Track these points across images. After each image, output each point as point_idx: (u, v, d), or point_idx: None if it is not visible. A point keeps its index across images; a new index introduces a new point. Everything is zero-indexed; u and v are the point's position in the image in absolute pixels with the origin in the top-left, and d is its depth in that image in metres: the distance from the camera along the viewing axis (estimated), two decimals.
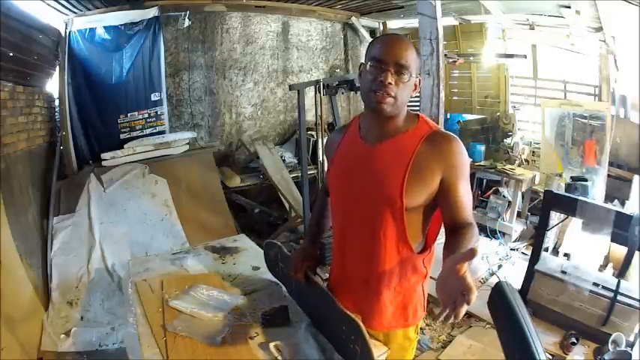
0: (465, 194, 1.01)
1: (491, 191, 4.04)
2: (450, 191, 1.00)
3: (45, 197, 3.05)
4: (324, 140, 3.18)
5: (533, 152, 4.18)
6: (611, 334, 2.18)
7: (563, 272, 2.54)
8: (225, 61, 4.43)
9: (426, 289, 1.19)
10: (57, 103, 3.51)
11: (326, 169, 1.33)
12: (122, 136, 3.75)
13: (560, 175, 3.70)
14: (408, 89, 1.01)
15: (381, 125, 1.05)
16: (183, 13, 3.89)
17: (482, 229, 3.88)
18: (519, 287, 2.67)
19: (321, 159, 3.21)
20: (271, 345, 1.17)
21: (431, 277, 1.35)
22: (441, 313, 0.79)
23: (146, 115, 3.88)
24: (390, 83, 0.97)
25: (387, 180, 1.02)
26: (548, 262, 2.72)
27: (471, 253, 0.76)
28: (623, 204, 3.30)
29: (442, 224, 1.08)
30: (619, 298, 2.29)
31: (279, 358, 1.13)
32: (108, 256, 2.86)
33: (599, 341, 2.29)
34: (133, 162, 3.48)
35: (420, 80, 1.06)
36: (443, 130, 1.07)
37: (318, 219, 1.36)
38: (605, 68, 3.55)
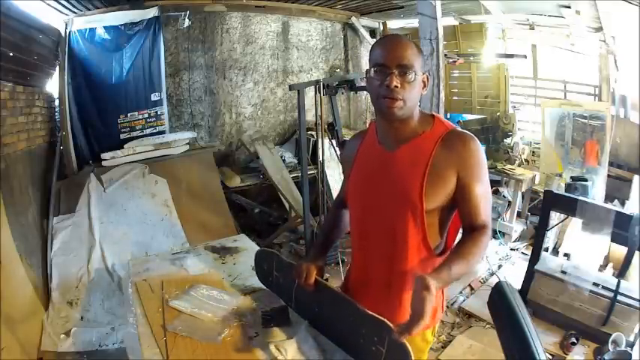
0: (481, 194, 1.01)
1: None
2: (465, 191, 1.01)
3: (45, 197, 3.05)
4: (324, 140, 3.19)
5: (533, 152, 4.19)
6: (611, 334, 2.17)
7: (563, 272, 2.54)
8: (225, 61, 4.43)
9: (445, 291, 1.19)
10: (57, 103, 3.51)
11: (343, 176, 1.30)
12: (122, 136, 3.75)
13: (560, 175, 3.70)
14: (416, 89, 1.01)
15: (397, 129, 1.05)
16: (183, 13, 3.88)
17: None
18: (519, 287, 2.67)
19: (321, 159, 3.21)
20: (271, 345, 1.17)
21: None
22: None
23: (146, 115, 3.88)
24: (396, 86, 0.97)
25: (407, 183, 1.02)
26: (548, 262, 2.72)
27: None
28: (623, 204, 3.30)
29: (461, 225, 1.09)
30: (619, 298, 2.29)
31: (279, 358, 1.13)
32: (108, 256, 2.86)
33: (599, 341, 2.29)
34: (133, 162, 3.48)
35: (427, 77, 1.05)
36: (459, 129, 1.07)
37: (328, 232, 1.33)
38: (605, 68, 3.55)
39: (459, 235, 1.10)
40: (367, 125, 1.23)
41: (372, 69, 1.01)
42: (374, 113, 1.14)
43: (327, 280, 1.30)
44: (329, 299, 1.19)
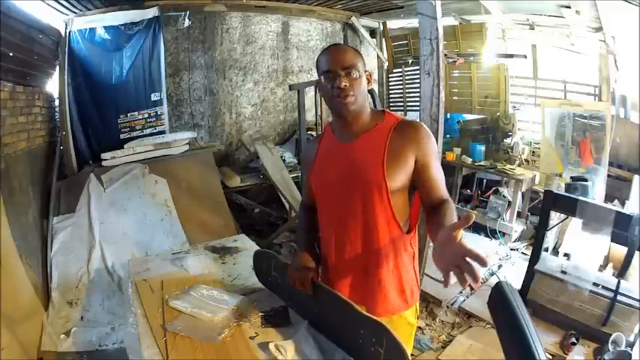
0: (437, 172, 1.13)
1: (491, 191, 4.04)
2: (424, 171, 1.11)
3: (45, 197, 3.05)
4: None
5: (533, 152, 4.18)
6: (611, 334, 2.18)
7: (563, 272, 2.55)
8: (225, 61, 4.44)
9: (417, 270, 1.27)
10: (57, 103, 3.51)
11: (305, 178, 1.35)
12: (122, 136, 3.75)
13: (560, 175, 3.70)
14: (362, 85, 1.14)
15: (352, 124, 1.17)
16: (183, 13, 3.89)
17: (483, 229, 3.89)
18: (519, 287, 2.67)
19: None
20: (271, 345, 1.17)
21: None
22: (446, 281, 0.80)
23: (146, 115, 3.88)
24: (345, 85, 1.10)
25: (369, 167, 1.12)
26: (548, 262, 2.72)
27: (467, 219, 0.84)
28: (623, 204, 3.29)
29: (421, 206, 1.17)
30: (619, 298, 2.29)
31: (279, 358, 1.13)
32: (108, 256, 2.86)
33: (599, 341, 2.30)
34: (132, 162, 3.48)
35: (370, 74, 1.18)
36: (408, 118, 1.21)
37: (307, 233, 1.35)
38: (605, 68, 3.54)
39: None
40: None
41: (322, 76, 1.14)
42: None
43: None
44: (327, 301, 1.19)
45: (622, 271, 2.45)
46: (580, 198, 2.62)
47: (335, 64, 1.11)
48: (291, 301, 1.38)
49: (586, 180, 3.33)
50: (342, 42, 5.17)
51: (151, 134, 3.85)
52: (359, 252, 1.18)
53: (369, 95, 1.49)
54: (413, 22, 4.81)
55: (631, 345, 2.16)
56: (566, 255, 3.21)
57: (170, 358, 1.14)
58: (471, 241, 3.79)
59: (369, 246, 1.16)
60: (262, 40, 4.60)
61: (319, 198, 1.26)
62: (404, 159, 1.11)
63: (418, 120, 1.82)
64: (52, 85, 3.45)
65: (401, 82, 5.50)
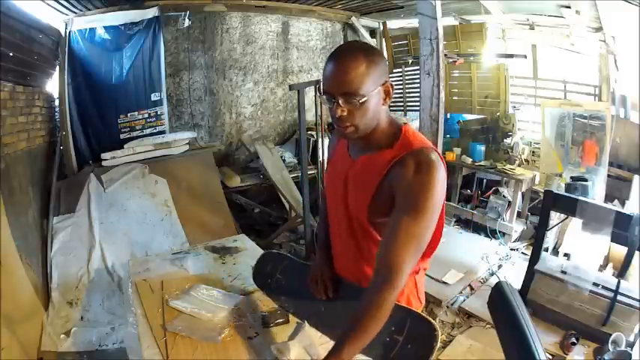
0: (404, 228, 0.89)
1: (491, 191, 4.04)
2: (391, 219, 0.92)
3: (45, 197, 3.05)
4: (324, 140, 3.19)
5: (533, 152, 4.18)
6: (611, 334, 2.18)
7: (563, 272, 2.54)
8: (225, 61, 4.44)
9: (420, 283, 1.16)
10: (57, 103, 3.51)
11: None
12: (122, 136, 3.75)
13: (560, 175, 3.70)
14: (370, 110, 0.93)
15: (361, 141, 1.02)
16: (183, 13, 3.89)
17: (483, 229, 3.89)
18: (519, 287, 2.67)
19: (321, 159, 3.21)
20: (272, 346, 1.17)
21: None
22: None
23: (146, 115, 3.88)
24: (342, 115, 0.92)
25: (357, 198, 1.03)
26: (548, 262, 2.72)
27: None
28: (623, 204, 3.29)
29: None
30: (619, 298, 2.29)
31: (280, 358, 1.13)
32: (108, 256, 2.86)
33: (599, 341, 2.29)
34: (132, 162, 3.48)
35: (390, 85, 0.97)
36: (423, 150, 0.93)
37: (326, 230, 1.30)
38: (605, 68, 3.54)
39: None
40: None
41: (323, 92, 0.95)
42: None
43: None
44: (349, 294, 1.14)
45: (622, 271, 2.45)
46: (580, 198, 2.62)
47: (333, 87, 0.91)
48: (294, 302, 1.36)
49: (586, 180, 3.33)
50: (342, 42, 5.17)
51: (151, 134, 3.86)
52: (352, 266, 1.14)
53: None
54: (413, 22, 4.80)
55: (631, 345, 2.16)
56: (566, 255, 3.21)
57: (170, 358, 1.14)
58: (471, 240, 3.80)
59: (358, 264, 1.11)
60: (262, 40, 4.60)
61: (325, 199, 1.24)
62: (389, 200, 0.95)
63: (419, 118, 1.77)
64: (52, 85, 3.46)
65: (401, 82, 5.50)
